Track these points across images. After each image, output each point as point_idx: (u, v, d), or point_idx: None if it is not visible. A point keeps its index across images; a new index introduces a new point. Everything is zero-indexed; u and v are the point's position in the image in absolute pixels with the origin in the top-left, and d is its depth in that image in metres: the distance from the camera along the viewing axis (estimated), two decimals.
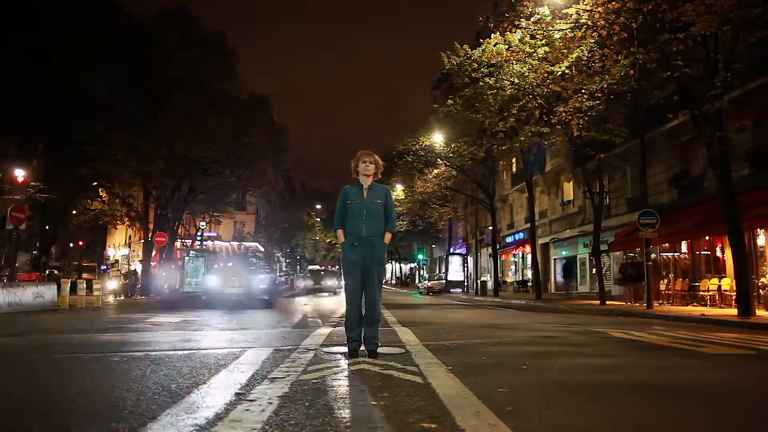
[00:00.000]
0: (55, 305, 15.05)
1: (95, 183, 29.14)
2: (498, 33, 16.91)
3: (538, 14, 15.55)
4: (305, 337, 6.68)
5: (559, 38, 15.45)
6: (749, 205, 13.87)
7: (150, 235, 28.27)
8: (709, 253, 18.41)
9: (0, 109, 20.50)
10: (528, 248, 30.80)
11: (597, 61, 15.27)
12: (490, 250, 35.33)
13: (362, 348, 4.98)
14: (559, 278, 29.82)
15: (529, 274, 34.50)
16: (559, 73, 16.02)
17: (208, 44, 27.42)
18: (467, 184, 36.42)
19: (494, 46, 16.96)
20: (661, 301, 17.42)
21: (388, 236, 5.11)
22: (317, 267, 45.69)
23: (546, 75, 16.52)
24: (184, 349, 5.82)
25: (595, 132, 18.08)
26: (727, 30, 11.58)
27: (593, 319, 11.83)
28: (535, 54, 16.34)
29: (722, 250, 17.20)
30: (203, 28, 28.33)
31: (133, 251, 45.51)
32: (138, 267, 31.31)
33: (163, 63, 24.42)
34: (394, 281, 72.94)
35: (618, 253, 23.65)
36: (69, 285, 16.16)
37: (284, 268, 69.61)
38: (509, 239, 37.71)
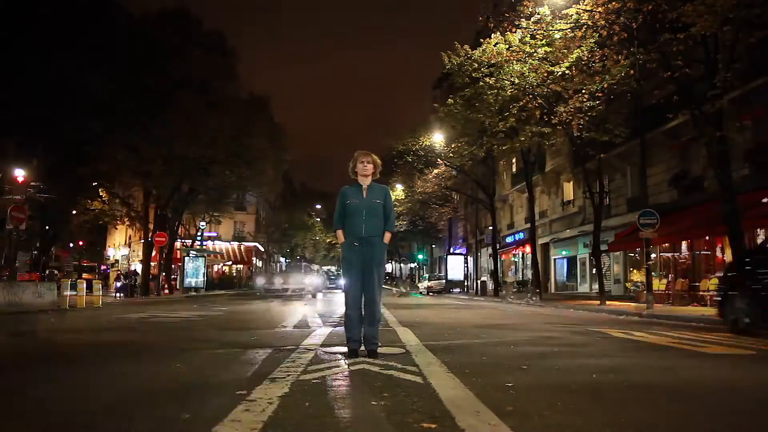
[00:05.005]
0: (56, 305, 15.05)
1: (95, 183, 29.13)
2: (498, 33, 16.92)
3: (538, 14, 15.55)
4: (305, 337, 6.67)
5: (560, 38, 15.43)
6: (749, 205, 13.85)
7: (150, 235, 28.25)
8: (709, 253, 18.39)
9: (0, 108, 20.45)
10: (528, 248, 30.78)
11: (597, 61, 15.23)
12: (490, 250, 35.30)
13: (362, 348, 4.98)
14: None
15: (529, 274, 34.46)
16: (560, 73, 16.00)
17: (208, 44, 27.43)
18: (467, 184, 36.39)
19: (494, 46, 16.96)
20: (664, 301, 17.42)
21: (387, 236, 5.11)
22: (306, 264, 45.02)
23: (546, 75, 16.49)
24: (184, 349, 5.83)
25: (595, 132, 18.06)
26: (727, 30, 11.56)
27: (593, 319, 11.83)
28: (535, 54, 16.32)
29: (722, 250, 17.17)
30: (203, 28, 28.33)
31: (133, 251, 45.46)
32: (138, 267, 31.29)
33: (163, 63, 24.40)
34: (394, 281, 72.80)
35: (618, 253, 23.63)
36: (69, 285, 16.19)
37: (284, 268, 69.60)
38: (509, 239, 37.67)
